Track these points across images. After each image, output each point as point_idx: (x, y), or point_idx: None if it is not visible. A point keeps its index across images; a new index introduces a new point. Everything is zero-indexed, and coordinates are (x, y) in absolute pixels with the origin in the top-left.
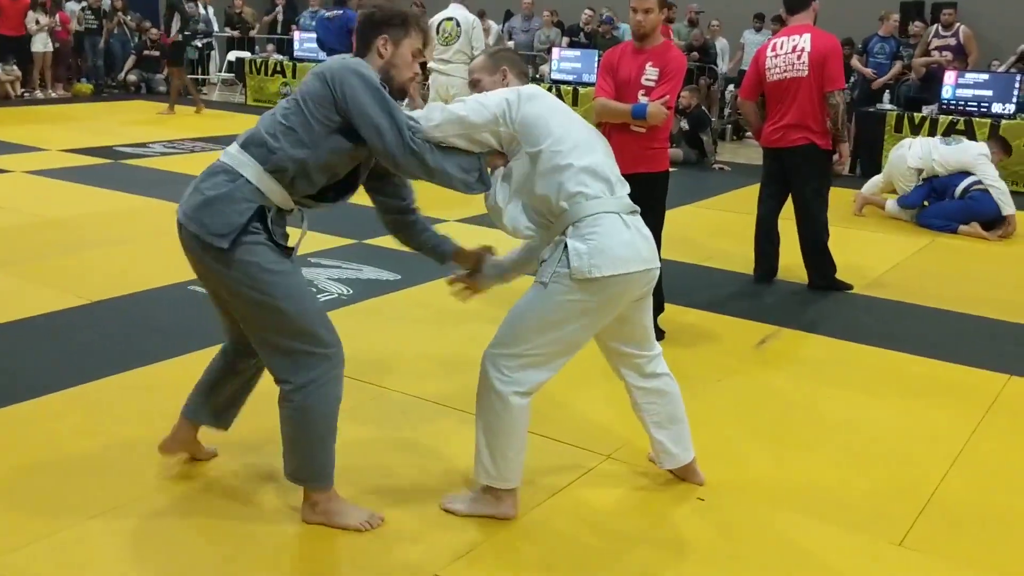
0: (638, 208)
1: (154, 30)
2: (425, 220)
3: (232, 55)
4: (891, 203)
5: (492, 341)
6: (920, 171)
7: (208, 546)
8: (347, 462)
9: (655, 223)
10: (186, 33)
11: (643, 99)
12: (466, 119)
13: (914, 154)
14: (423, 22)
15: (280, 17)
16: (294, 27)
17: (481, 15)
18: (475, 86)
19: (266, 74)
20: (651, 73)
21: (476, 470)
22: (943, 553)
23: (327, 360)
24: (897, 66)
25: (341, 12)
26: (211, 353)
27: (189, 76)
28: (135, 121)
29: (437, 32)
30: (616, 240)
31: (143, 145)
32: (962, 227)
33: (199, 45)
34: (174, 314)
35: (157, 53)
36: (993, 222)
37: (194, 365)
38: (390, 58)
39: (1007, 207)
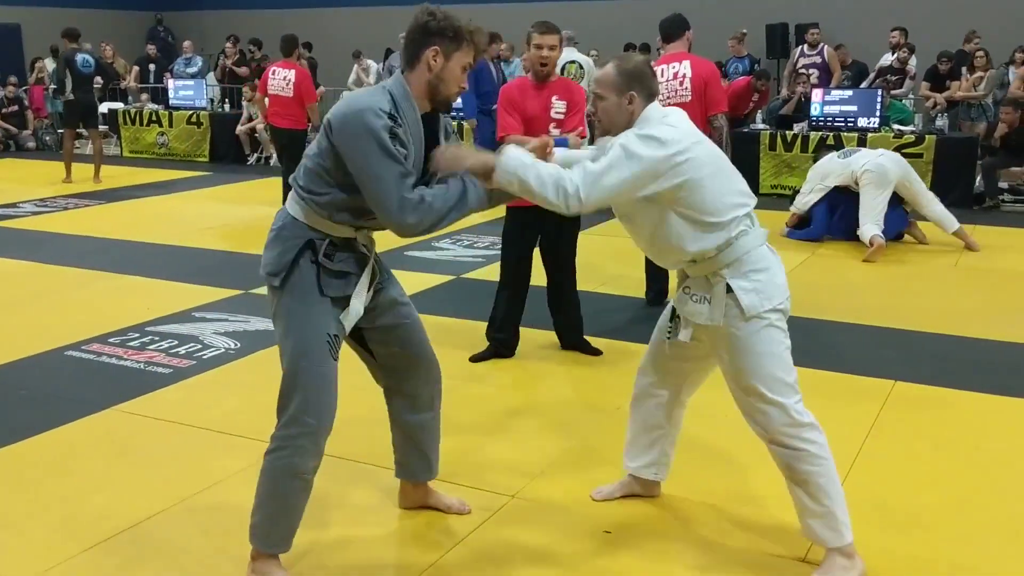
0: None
1: (11, 85)
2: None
3: (104, 106)
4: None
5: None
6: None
7: None
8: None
9: (569, 252)
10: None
11: (555, 131)
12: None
13: (834, 171)
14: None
15: (152, 66)
16: (168, 75)
17: (358, 55)
18: (597, 100)
19: (142, 124)
20: (559, 106)
21: None
22: None
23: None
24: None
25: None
26: (90, 422)
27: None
28: (3, 180)
29: (562, 72)
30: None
31: (12, 205)
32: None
33: (71, 98)
34: (48, 383)
35: (15, 108)
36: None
37: (71, 436)
38: (439, 71)
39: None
